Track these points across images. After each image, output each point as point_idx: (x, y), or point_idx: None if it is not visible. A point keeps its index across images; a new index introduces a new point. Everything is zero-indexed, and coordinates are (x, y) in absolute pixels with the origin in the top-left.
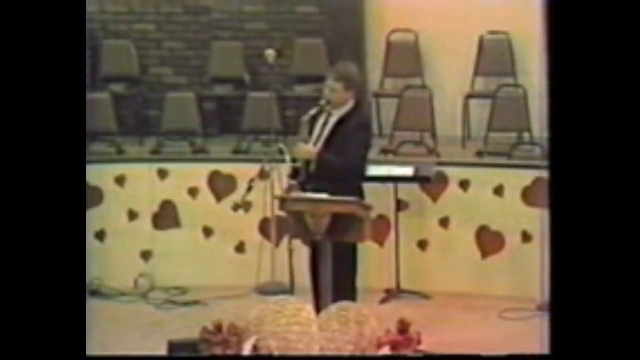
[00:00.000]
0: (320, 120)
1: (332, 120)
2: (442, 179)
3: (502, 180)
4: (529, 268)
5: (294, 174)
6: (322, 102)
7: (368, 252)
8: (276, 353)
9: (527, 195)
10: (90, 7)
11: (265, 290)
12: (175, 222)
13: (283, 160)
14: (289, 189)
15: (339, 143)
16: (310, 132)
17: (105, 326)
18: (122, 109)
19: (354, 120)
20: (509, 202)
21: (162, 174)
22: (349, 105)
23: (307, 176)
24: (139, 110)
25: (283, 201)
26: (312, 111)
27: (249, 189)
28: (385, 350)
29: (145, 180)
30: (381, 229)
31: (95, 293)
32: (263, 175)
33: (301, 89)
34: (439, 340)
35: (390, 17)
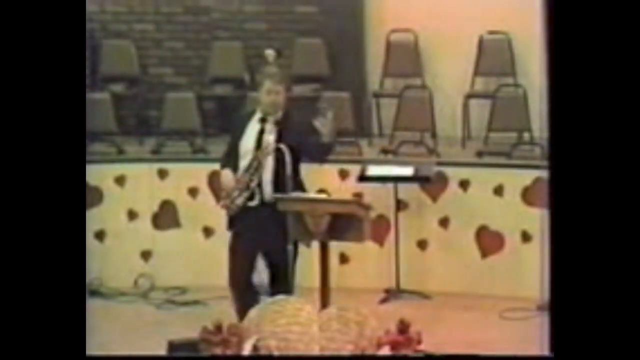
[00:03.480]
0: (254, 128)
1: (272, 127)
2: (442, 179)
3: (502, 180)
4: (529, 268)
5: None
6: (272, 118)
7: (368, 252)
8: (276, 353)
9: (527, 195)
10: (90, 7)
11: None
12: (175, 222)
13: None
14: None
15: (295, 142)
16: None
17: (105, 326)
18: (122, 109)
19: (301, 121)
20: (509, 202)
21: (162, 174)
22: (282, 107)
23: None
24: (139, 110)
25: (282, 201)
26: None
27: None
28: (386, 350)
29: (145, 180)
30: (381, 229)
31: (95, 293)
32: None
33: (301, 89)
34: (439, 340)
35: (390, 17)
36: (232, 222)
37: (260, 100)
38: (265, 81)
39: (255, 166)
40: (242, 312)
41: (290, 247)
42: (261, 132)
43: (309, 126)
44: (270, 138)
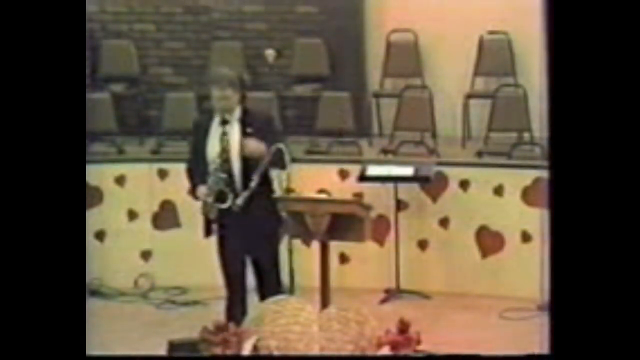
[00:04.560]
0: (217, 131)
1: (234, 127)
2: (442, 179)
3: (502, 180)
4: (529, 268)
5: (222, 197)
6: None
7: (368, 252)
8: (276, 353)
9: (527, 195)
10: (90, 7)
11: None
12: (175, 222)
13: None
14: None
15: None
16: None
17: (105, 326)
18: (122, 109)
19: (260, 115)
20: (509, 202)
21: (162, 174)
22: (239, 105)
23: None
24: (139, 110)
25: (283, 201)
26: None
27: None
28: (385, 350)
29: (145, 180)
30: (381, 229)
31: (95, 293)
32: None
33: (301, 89)
34: (439, 340)
35: (390, 17)
36: (209, 226)
37: (213, 107)
38: (212, 88)
39: (223, 168)
40: (229, 311)
41: (272, 246)
42: (224, 134)
43: (267, 117)
44: (235, 138)
